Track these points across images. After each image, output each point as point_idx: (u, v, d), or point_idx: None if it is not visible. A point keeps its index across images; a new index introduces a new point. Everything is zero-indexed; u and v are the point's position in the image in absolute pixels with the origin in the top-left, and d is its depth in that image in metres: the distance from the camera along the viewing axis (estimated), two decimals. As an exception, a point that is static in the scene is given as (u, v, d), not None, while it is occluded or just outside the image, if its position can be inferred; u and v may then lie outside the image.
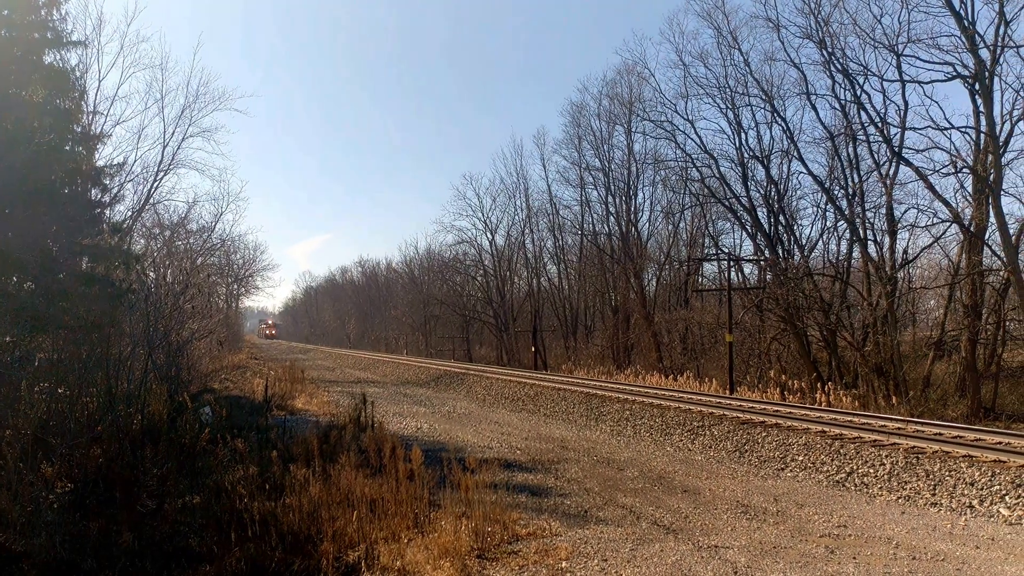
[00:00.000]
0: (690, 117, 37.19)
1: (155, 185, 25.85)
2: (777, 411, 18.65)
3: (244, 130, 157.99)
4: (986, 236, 24.93)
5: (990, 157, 23.71)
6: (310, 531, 9.09)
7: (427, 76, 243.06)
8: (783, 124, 31.80)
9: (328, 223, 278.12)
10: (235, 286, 65.98)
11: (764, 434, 15.90)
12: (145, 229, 26.28)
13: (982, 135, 24.33)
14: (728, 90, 33.07)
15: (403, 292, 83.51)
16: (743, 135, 33.52)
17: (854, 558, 8.23)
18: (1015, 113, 23.55)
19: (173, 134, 26.97)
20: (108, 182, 17.14)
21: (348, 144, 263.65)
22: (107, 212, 17.15)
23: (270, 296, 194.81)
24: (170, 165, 26.62)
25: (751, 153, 33.29)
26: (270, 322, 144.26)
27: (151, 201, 25.56)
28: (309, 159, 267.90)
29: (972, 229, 24.78)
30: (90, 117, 20.67)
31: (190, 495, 10.22)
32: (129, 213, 23.62)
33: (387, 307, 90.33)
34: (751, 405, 20.23)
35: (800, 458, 14.09)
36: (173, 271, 16.89)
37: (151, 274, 16.27)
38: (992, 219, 23.65)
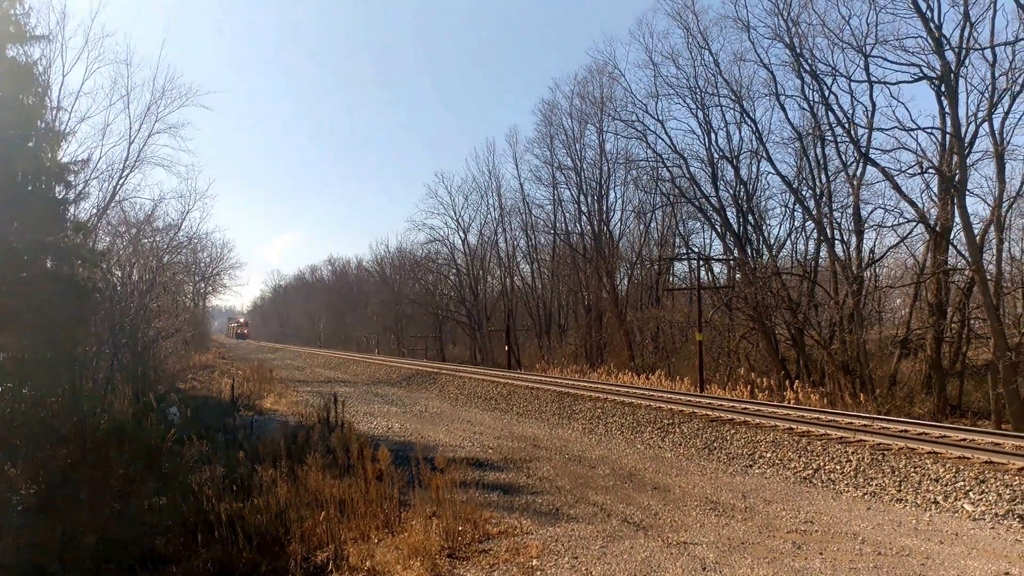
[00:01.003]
0: (660, 117, 37.58)
1: (120, 182, 25.51)
2: (746, 408, 18.88)
3: (213, 127, 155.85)
4: (951, 236, 25.41)
5: (955, 158, 24.14)
6: (278, 532, 9.03)
7: (400, 75, 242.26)
8: (752, 125, 32.23)
9: (297, 221, 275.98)
10: (202, 285, 65.29)
11: (733, 431, 16.08)
12: (110, 227, 25.94)
13: (947, 136, 24.78)
14: (698, 90, 33.41)
15: (374, 291, 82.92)
16: (713, 135, 33.90)
17: (821, 554, 8.34)
18: (980, 114, 24.04)
19: (139, 130, 26.61)
20: (72, 179, 16.82)
21: (319, 141, 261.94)
22: (72, 210, 16.88)
23: (238, 295, 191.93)
24: (136, 162, 26.26)
25: (721, 153, 33.67)
26: (241, 320, 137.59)
27: (116, 198, 25.23)
28: (279, 156, 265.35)
29: (938, 229, 25.27)
30: (54, 113, 20.26)
31: (156, 496, 10.10)
32: (94, 211, 23.26)
33: (358, 306, 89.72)
34: (720, 403, 20.44)
35: (768, 455, 14.27)
36: (139, 269, 16.63)
37: (117, 273, 16.01)
38: (957, 219, 24.09)
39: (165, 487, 10.43)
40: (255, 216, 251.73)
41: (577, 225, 47.57)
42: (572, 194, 47.55)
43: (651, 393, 23.33)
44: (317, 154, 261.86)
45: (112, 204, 24.92)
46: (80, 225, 16.58)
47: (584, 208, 46.19)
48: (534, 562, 8.10)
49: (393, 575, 7.83)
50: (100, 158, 24.59)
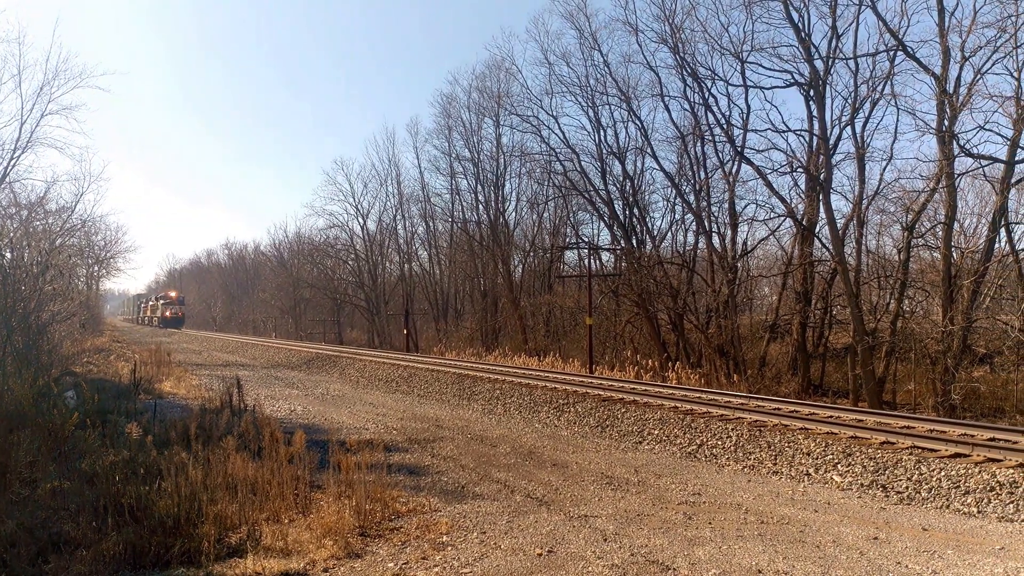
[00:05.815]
0: (554, 113, 39.18)
1: (11, 163, 24.58)
2: (634, 388, 19.99)
3: (106, 108, 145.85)
4: (817, 229, 27.72)
5: (822, 158, 26.33)
6: (190, 514, 9.05)
7: (300, 60, 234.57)
8: (638, 123, 33.84)
9: (194, 206, 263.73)
10: (96, 268, 62.15)
11: (623, 410, 17.12)
12: (0, 209, 24.86)
13: (815, 138, 26.98)
14: (589, 89, 34.74)
15: (272, 275, 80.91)
16: (602, 132, 35.31)
17: (710, 523, 8.96)
18: (844, 119, 26.33)
19: (31, 111, 25.65)
20: (-42, 159, 15.91)
21: (214, 127, 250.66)
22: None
23: (132, 278, 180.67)
24: (28, 143, 25.36)
25: (609, 149, 35.15)
26: (172, 295, 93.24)
27: (7, 180, 24.27)
28: (176, 139, 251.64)
29: (804, 223, 27.47)
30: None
31: (60, 480, 9.90)
32: (-17, 192, 22.20)
33: (255, 290, 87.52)
34: (610, 383, 21.49)
35: (656, 432, 15.32)
36: (31, 252, 15.92)
37: (7, 255, 15.28)
38: (822, 214, 26.36)
39: (69, 471, 10.25)
40: (152, 199, 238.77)
41: (474, 214, 48.56)
42: (470, 184, 48.53)
43: (545, 374, 24.24)
44: (215, 138, 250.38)
45: (2, 185, 23.87)
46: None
47: (481, 198, 47.34)
48: (444, 538, 8.32)
49: (307, 554, 7.89)
50: (-11, 138, 23.35)
